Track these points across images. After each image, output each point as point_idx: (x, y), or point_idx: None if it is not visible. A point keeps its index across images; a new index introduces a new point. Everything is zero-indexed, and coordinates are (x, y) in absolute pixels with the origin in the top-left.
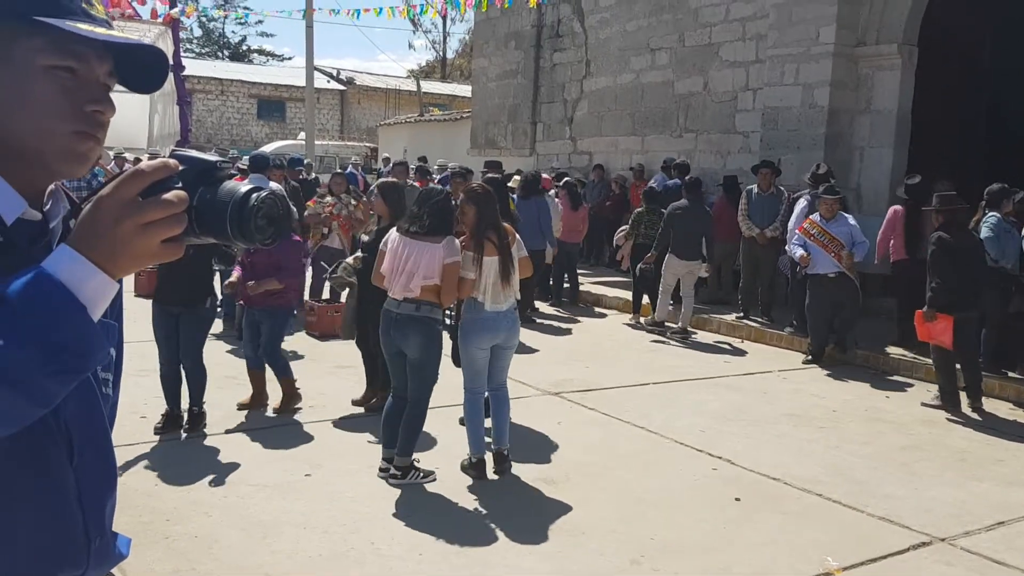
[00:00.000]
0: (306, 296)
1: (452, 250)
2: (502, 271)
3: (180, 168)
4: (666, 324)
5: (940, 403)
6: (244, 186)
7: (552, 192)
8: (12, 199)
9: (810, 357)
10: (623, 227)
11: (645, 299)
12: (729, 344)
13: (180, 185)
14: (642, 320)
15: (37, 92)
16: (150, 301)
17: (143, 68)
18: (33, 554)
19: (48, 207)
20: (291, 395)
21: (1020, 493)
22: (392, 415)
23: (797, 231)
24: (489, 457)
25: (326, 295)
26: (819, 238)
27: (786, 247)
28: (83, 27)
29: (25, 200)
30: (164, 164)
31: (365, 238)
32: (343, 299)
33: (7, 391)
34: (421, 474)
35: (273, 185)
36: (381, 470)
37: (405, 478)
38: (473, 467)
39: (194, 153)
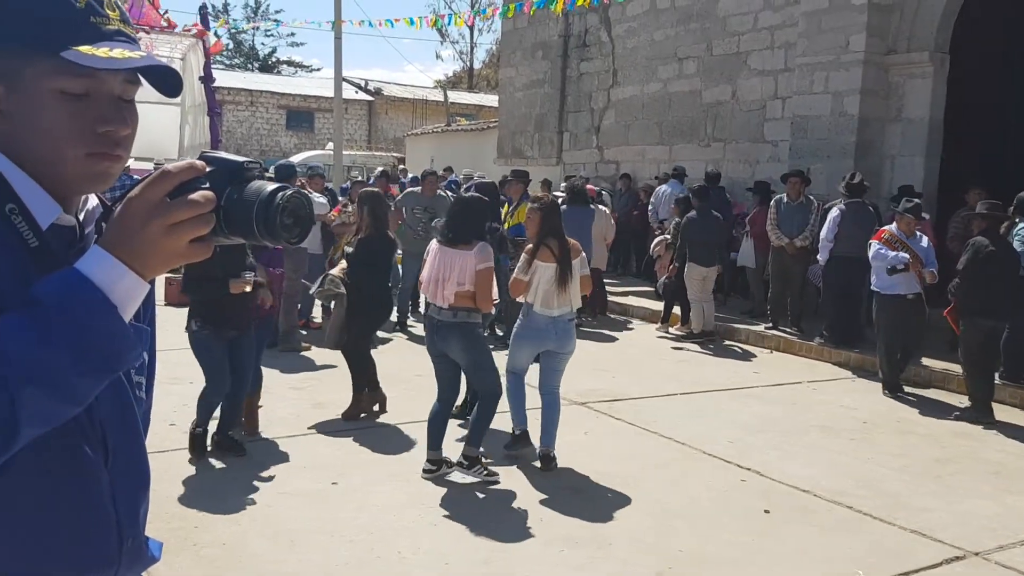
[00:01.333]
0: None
1: (484, 256)
2: (559, 278)
3: (208, 169)
4: (703, 332)
5: (972, 413)
6: (270, 185)
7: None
8: (47, 204)
9: (888, 392)
10: (662, 237)
11: (676, 309)
12: (758, 354)
13: (207, 186)
14: (672, 331)
15: (47, 118)
16: (178, 309)
17: (160, 74)
18: (66, 552)
19: (83, 212)
20: (255, 414)
21: None
22: (437, 418)
23: (873, 240)
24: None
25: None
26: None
27: (818, 256)
28: (85, 50)
29: (59, 205)
30: (191, 165)
31: (349, 249)
32: None
33: (39, 390)
34: (486, 471)
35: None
36: (425, 471)
37: (471, 469)
38: (517, 440)
39: (222, 154)
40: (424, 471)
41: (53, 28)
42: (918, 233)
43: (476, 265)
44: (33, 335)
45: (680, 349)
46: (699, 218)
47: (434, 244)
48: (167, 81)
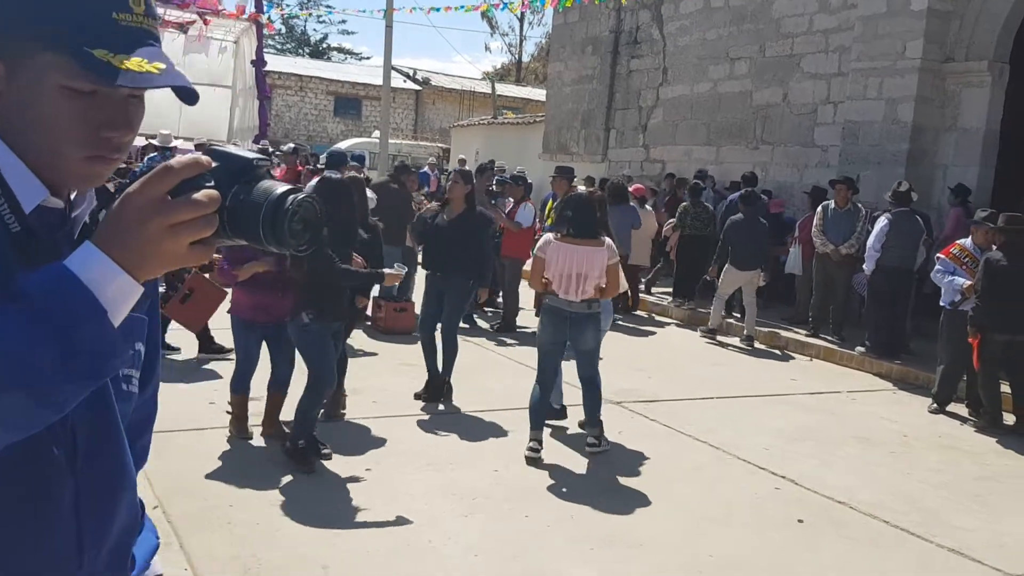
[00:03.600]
0: (375, 293)
1: (613, 252)
2: None
3: (213, 165)
4: (712, 329)
5: (983, 422)
6: (280, 187)
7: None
8: (33, 186)
9: (936, 405)
10: (671, 220)
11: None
12: (797, 361)
13: (212, 183)
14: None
15: (50, 113)
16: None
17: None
18: (8, 561)
19: (74, 195)
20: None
21: None
22: (541, 403)
23: (942, 255)
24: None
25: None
26: (972, 268)
27: (863, 266)
28: (102, 55)
29: (47, 188)
30: (195, 161)
31: None
32: (411, 296)
33: (20, 394)
34: (607, 444)
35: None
36: (531, 450)
37: (599, 445)
38: (558, 413)
39: (231, 148)
40: (530, 450)
41: (73, 23)
42: (995, 249)
43: (608, 260)
44: (16, 334)
45: (709, 342)
46: (745, 222)
47: (552, 240)
48: (184, 92)
